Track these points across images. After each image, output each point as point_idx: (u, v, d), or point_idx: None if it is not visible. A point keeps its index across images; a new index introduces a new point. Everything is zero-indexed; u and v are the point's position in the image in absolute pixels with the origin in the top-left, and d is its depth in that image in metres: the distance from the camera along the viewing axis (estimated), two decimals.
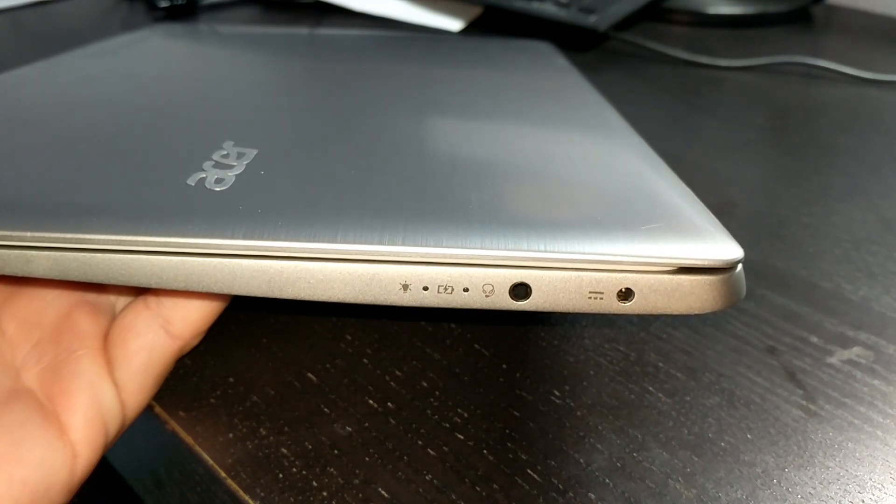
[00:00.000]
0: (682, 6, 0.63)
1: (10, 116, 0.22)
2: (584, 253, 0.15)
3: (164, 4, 0.59)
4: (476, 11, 0.62)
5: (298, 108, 0.25)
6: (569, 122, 0.24)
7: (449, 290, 0.16)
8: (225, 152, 0.19)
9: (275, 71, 0.30)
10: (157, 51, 0.33)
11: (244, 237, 0.15)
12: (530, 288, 0.16)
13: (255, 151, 0.19)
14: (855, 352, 0.23)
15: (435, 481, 0.18)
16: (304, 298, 0.16)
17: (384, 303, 0.16)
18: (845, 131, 0.40)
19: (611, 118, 0.25)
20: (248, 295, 0.16)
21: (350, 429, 0.19)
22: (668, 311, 0.16)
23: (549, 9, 0.53)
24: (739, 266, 0.16)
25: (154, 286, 0.16)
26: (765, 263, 0.27)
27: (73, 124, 0.21)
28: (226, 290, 0.16)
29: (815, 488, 0.18)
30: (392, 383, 0.21)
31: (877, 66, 0.50)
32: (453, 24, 0.59)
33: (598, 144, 0.22)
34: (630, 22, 0.58)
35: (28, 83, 0.26)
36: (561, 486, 0.18)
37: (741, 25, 0.63)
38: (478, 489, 0.18)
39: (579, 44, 0.54)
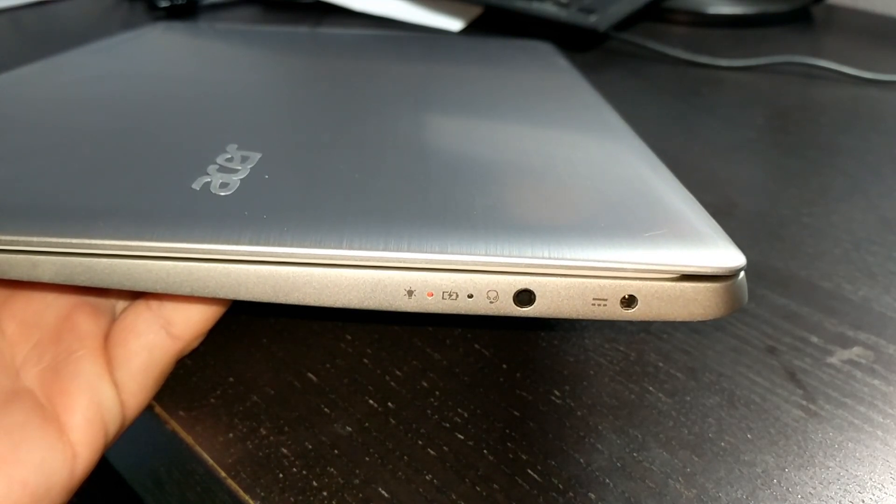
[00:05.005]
0: (682, 6, 0.63)
1: (12, 117, 0.22)
2: (588, 260, 0.16)
3: (164, 4, 0.59)
4: (476, 11, 0.62)
5: (301, 109, 0.25)
6: (570, 126, 0.24)
7: (453, 297, 0.16)
8: (229, 156, 0.19)
9: (276, 72, 0.30)
10: (159, 49, 0.33)
11: (250, 243, 0.15)
12: (534, 294, 0.16)
13: (258, 155, 0.19)
14: (855, 352, 0.23)
15: (435, 481, 0.18)
16: (309, 304, 0.16)
17: (389, 308, 0.16)
18: (845, 131, 0.40)
19: (611, 121, 0.25)
20: (254, 300, 0.16)
21: (350, 429, 0.19)
22: (671, 318, 0.16)
23: (549, 9, 0.53)
24: (742, 273, 0.16)
25: (160, 291, 0.16)
26: (765, 263, 0.27)
27: (76, 126, 0.21)
28: (231, 296, 0.16)
29: (815, 488, 0.18)
30: (392, 383, 0.21)
31: (877, 66, 0.50)
32: (453, 24, 0.59)
33: (600, 149, 0.22)
34: (630, 22, 0.58)
35: (29, 83, 0.26)
36: (561, 486, 0.18)
37: (741, 25, 0.63)
38: (478, 489, 0.18)
39: (579, 44, 0.54)
